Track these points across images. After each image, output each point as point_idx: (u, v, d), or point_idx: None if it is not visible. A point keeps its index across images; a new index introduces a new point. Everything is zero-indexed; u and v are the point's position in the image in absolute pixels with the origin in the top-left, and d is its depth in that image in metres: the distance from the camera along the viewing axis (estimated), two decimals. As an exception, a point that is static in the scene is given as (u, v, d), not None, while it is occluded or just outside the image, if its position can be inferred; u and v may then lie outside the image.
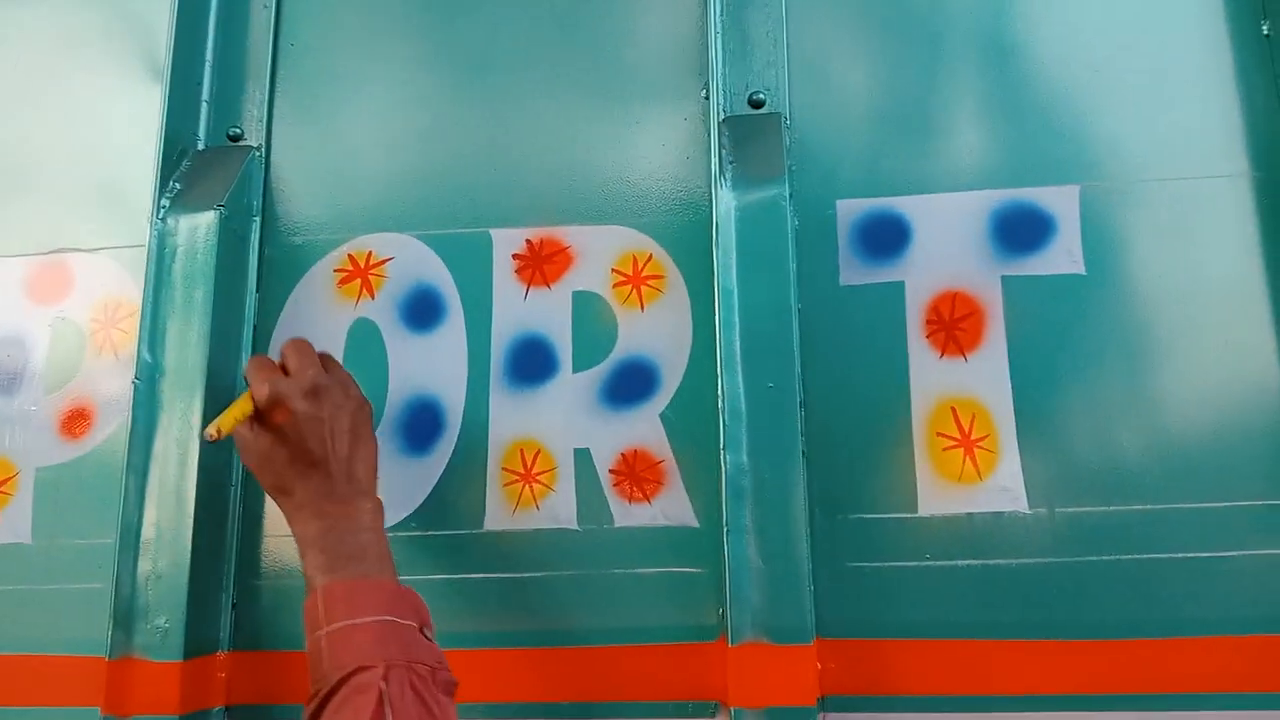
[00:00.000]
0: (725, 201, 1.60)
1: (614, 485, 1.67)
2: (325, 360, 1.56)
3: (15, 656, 1.75)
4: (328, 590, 1.35)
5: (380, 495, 1.62)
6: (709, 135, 1.70)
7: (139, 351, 1.69)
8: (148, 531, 1.63)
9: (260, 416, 1.49)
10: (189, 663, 1.59)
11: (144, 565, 1.62)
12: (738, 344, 1.54)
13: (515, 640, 1.65)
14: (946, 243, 1.67)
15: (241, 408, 1.48)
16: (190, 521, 1.63)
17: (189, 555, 1.62)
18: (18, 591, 1.79)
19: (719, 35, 1.71)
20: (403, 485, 1.72)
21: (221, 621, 1.69)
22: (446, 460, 1.73)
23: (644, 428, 1.69)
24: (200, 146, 1.90)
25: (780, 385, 1.53)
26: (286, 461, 1.44)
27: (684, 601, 1.62)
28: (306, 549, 1.41)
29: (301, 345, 1.55)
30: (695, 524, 1.63)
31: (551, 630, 1.64)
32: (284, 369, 1.52)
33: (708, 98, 1.78)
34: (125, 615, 1.60)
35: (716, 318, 1.56)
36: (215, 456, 1.68)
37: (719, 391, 1.53)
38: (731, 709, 1.44)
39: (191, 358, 1.69)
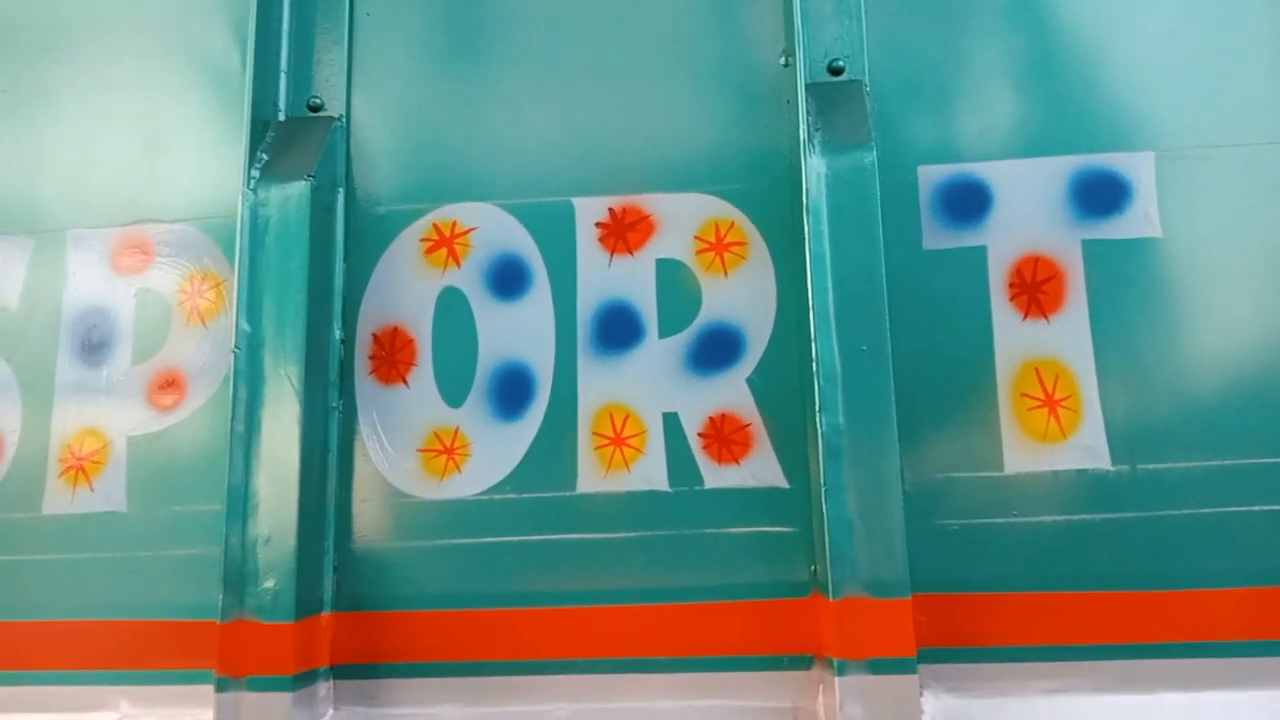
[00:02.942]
0: (815, 168, 1.63)
1: (703, 448, 1.72)
2: None
3: (122, 622, 1.79)
4: None
5: (475, 459, 1.67)
6: (793, 102, 1.72)
7: (237, 321, 1.73)
8: (254, 497, 1.67)
9: None
10: (299, 623, 1.64)
11: (252, 530, 1.66)
12: (831, 308, 1.58)
13: (611, 598, 1.70)
14: (1027, 207, 1.71)
15: None
16: (295, 487, 1.68)
17: (295, 520, 1.66)
18: (118, 559, 1.83)
19: (801, 2, 1.72)
20: (497, 450, 1.77)
21: (325, 584, 1.73)
22: (538, 425, 1.77)
23: (731, 392, 1.73)
24: (281, 118, 1.91)
25: (873, 348, 1.58)
26: None
27: (775, 559, 1.67)
28: None
29: None
30: (785, 485, 1.68)
31: (646, 588, 1.69)
32: None
33: (787, 65, 1.81)
34: (236, 579, 1.64)
35: (809, 283, 1.60)
36: (314, 424, 1.72)
37: (813, 355, 1.57)
38: (835, 661, 1.49)
39: (290, 327, 1.73)
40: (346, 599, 1.75)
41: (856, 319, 1.59)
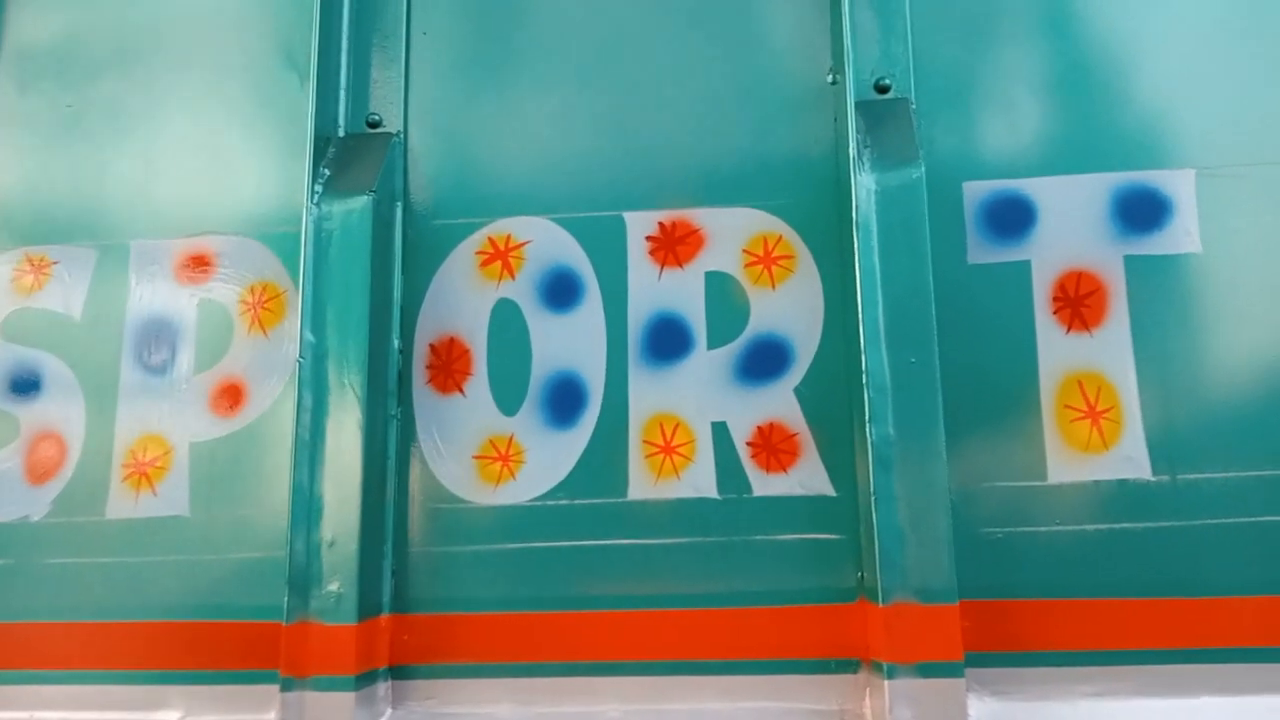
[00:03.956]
0: (865, 185, 1.68)
1: (751, 456, 1.77)
2: None
3: (184, 623, 1.85)
4: None
5: (529, 466, 1.72)
6: (841, 119, 1.78)
7: (302, 332, 1.79)
8: (318, 502, 1.73)
9: None
10: (360, 625, 1.70)
11: (316, 534, 1.72)
12: (881, 321, 1.63)
13: (661, 602, 1.75)
14: (1070, 223, 1.76)
15: None
16: (358, 493, 1.73)
17: (358, 524, 1.72)
18: (180, 562, 1.89)
19: (850, 21, 1.77)
20: (550, 457, 1.82)
21: (384, 587, 1.79)
22: (590, 433, 1.82)
23: (779, 402, 1.78)
24: (340, 134, 1.97)
25: (921, 360, 1.62)
26: None
27: (822, 566, 1.72)
28: None
29: None
30: (832, 493, 1.73)
31: (696, 593, 1.74)
32: None
33: (834, 83, 1.86)
34: (301, 581, 1.70)
35: (859, 296, 1.65)
36: (375, 431, 1.78)
37: (863, 367, 1.62)
38: (885, 664, 1.53)
39: (353, 337, 1.79)
40: (404, 601, 1.80)
41: (905, 332, 1.63)
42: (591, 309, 1.87)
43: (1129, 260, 1.73)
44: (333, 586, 1.70)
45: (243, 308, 1.97)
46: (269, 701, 1.75)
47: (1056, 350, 1.71)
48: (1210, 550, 1.62)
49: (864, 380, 1.62)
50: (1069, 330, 1.71)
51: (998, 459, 1.68)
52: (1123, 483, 1.65)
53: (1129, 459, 1.66)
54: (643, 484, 1.79)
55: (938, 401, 1.61)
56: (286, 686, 1.66)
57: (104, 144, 2.10)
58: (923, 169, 1.69)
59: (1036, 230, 1.76)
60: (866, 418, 1.60)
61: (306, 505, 1.73)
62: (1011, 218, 1.76)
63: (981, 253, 1.76)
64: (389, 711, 1.73)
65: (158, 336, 1.99)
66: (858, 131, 1.73)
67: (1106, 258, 1.74)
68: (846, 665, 1.67)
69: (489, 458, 1.83)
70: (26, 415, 2.00)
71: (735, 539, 1.75)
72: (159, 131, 2.09)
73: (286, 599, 1.69)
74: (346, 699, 1.64)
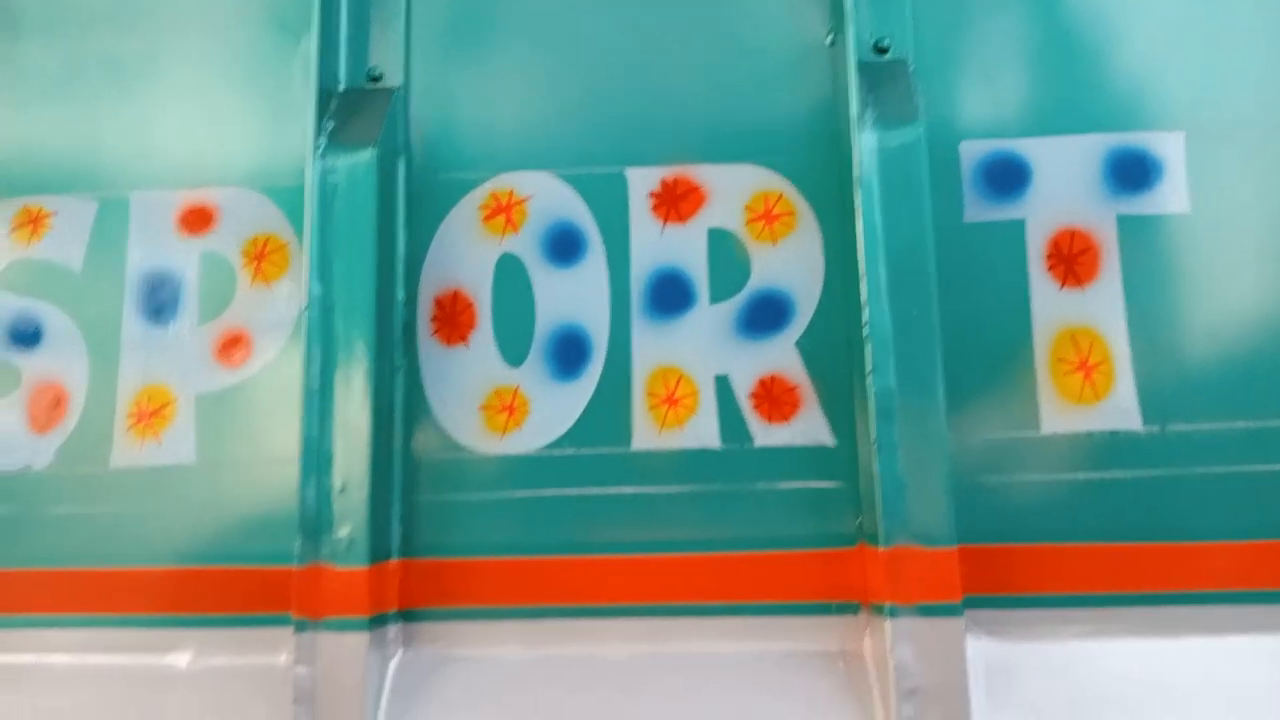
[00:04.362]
0: (866, 144, 1.72)
1: (753, 408, 1.82)
2: None
3: (192, 569, 1.88)
4: None
5: (535, 417, 1.76)
6: (841, 80, 1.81)
7: (310, 283, 1.80)
8: (328, 450, 1.75)
9: None
10: (371, 569, 1.73)
11: (326, 480, 1.75)
12: (883, 277, 1.68)
13: (665, 547, 1.80)
14: (1064, 183, 1.81)
15: None
16: (367, 441, 1.76)
17: (367, 471, 1.75)
18: (186, 509, 1.92)
19: (852, -17, 1.81)
20: (555, 408, 1.85)
21: (393, 532, 1.82)
22: (594, 385, 1.86)
23: (780, 355, 1.83)
24: (341, 88, 1.98)
25: (922, 314, 1.67)
26: None
27: (822, 513, 1.78)
28: None
29: None
30: (832, 443, 1.78)
31: (699, 539, 1.79)
32: None
33: (833, 44, 1.89)
34: (312, 527, 1.73)
35: (861, 252, 1.69)
36: (383, 381, 1.83)
37: (864, 320, 1.67)
38: (887, 605, 1.59)
39: (359, 289, 1.81)
40: (413, 547, 1.84)
41: (906, 287, 1.68)
42: (595, 264, 1.90)
43: (1121, 219, 1.78)
44: (344, 531, 1.72)
45: (245, 260, 1.98)
46: (279, 644, 1.78)
47: (1050, 306, 1.76)
48: (1199, 497, 1.69)
49: (865, 333, 1.66)
50: (1062, 286, 1.76)
51: (993, 410, 1.74)
52: (1114, 433, 1.71)
53: (1120, 410, 1.72)
54: (646, 434, 1.83)
55: (937, 354, 1.66)
56: (300, 628, 1.68)
57: (103, 96, 2.09)
58: (923, 128, 1.73)
59: (1031, 189, 1.81)
60: (868, 369, 1.65)
61: (316, 453, 1.75)
62: (1007, 177, 1.81)
63: (978, 211, 1.81)
64: (400, 653, 1.76)
65: (160, 288, 2.00)
66: (859, 92, 1.75)
67: (1099, 216, 1.79)
68: (846, 608, 1.73)
69: (495, 408, 1.86)
70: (27, 365, 2.00)
71: (737, 487, 1.79)
72: (159, 83, 2.09)
73: (298, 543, 1.72)
74: (359, 639, 1.68)
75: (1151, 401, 1.72)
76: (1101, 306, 1.75)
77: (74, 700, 1.80)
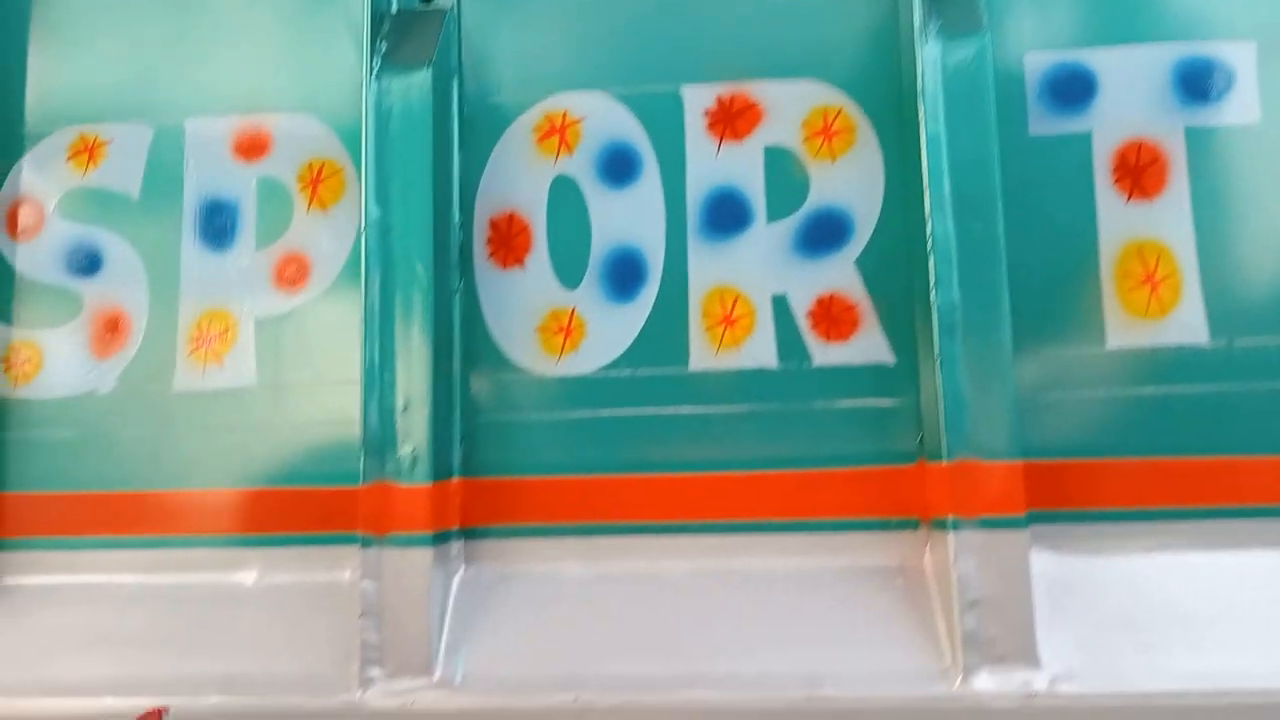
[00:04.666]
0: (930, 56, 1.69)
1: (811, 327, 1.81)
2: None
3: (255, 490, 1.90)
4: None
5: (591, 339, 1.76)
6: (903, -10, 1.77)
7: (366, 205, 1.80)
8: (390, 371, 1.76)
9: None
10: (434, 486, 1.75)
11: (389, 400, 1.76)
12: (947, 190, 1.65)
13: (723, 466, 1.80)
14: (1131, 94, 1.77)
15: None
16: (426, 361, 1.77)
17: (428, 391, 1.76)
18: (249, 431, 1.94)
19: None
20: (611, 330, 1.85)
21: (454, 452, 1.83)
22: (650, 306, 1.86)
23: (839, 273, 1.82)
24: (394, 10, 1.96)
25: (986, 227, 1.65)
26: None
27: (882, 430, 1.77)
28: None
29: None
30: (892, 361, 1.77)
31: (757, 458, 1.79)
32: None
33: (894, -45, 1.84)
34: (376, 445, 1.75)
35: (924, 165, 1.66)
36: (441, 302, 1.84)
37: (927, 234, 1.65)
38: (950, 519, 1.59)
39: (416, 211, 1.81)
40: (473, 466, 1.86)
41: (970, 200, 1.66)
42: (650, 184, 1.88)
43: (1189, 131, 1.75)
44: (407, 449, 1.74)
45: (301, 185, 1.99)
46: (342, 561, 1.81)
47: (1116, 219, 1.73)
48: (1264, 413, 1.67)
49: (929, 247, 1.64)
50: (1129, 199, 1.73)
51: (1057, 326, 1.72)
52: (1180, 348, 1.69)
53: (1186, 325, 1.69)
54: (703, 355, 1.83)
55: (1002, 268, 1.64)
56: (366, 544, 1.70)
57: (157, 23, 2.09)
58: (988, 38, 1.70)
59: (1097, 101, 1.77)
60: (932, 284, 1.63)
61: (378, 374, 1.77)
62: (1073, 89, 1.78)
63: (1043, 124, 1.78)
64: (462, 570, 1.79)
65: (217, 214, 2.00)
66: (922, 3, 1.72)
67: (1167, 128, 1.75)
68: (906, 524, 1.73)
69: (551, 330, 1.87)
70: (88, 292, 2.03)
71: (795, 406, 1.79)
72: (212, 9, 2.09)
73: (363, 461, 1.74)
74: (424, 555, 1.70)
75: (1218, 316, 1.69)
76: (1169, 220, 1.72)
77: (145, 618, 1.84)
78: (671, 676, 1.63)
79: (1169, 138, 1.75)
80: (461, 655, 1.69)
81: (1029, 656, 1.55)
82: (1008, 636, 1.55)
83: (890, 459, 1.75)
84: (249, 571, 1.87)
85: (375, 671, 1.68)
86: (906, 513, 1.73)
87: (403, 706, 1.65)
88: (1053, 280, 1.73)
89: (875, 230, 1.81)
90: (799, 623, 1.66)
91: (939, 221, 1.64)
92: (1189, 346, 1.69)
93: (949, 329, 1.62)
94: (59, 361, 2.01)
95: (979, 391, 1.61)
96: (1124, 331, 1.70)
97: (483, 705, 1.64)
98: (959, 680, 1.55)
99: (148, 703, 1.72)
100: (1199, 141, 1.74)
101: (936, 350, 1.62)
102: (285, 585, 1.84)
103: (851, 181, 1.82)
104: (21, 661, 1.83)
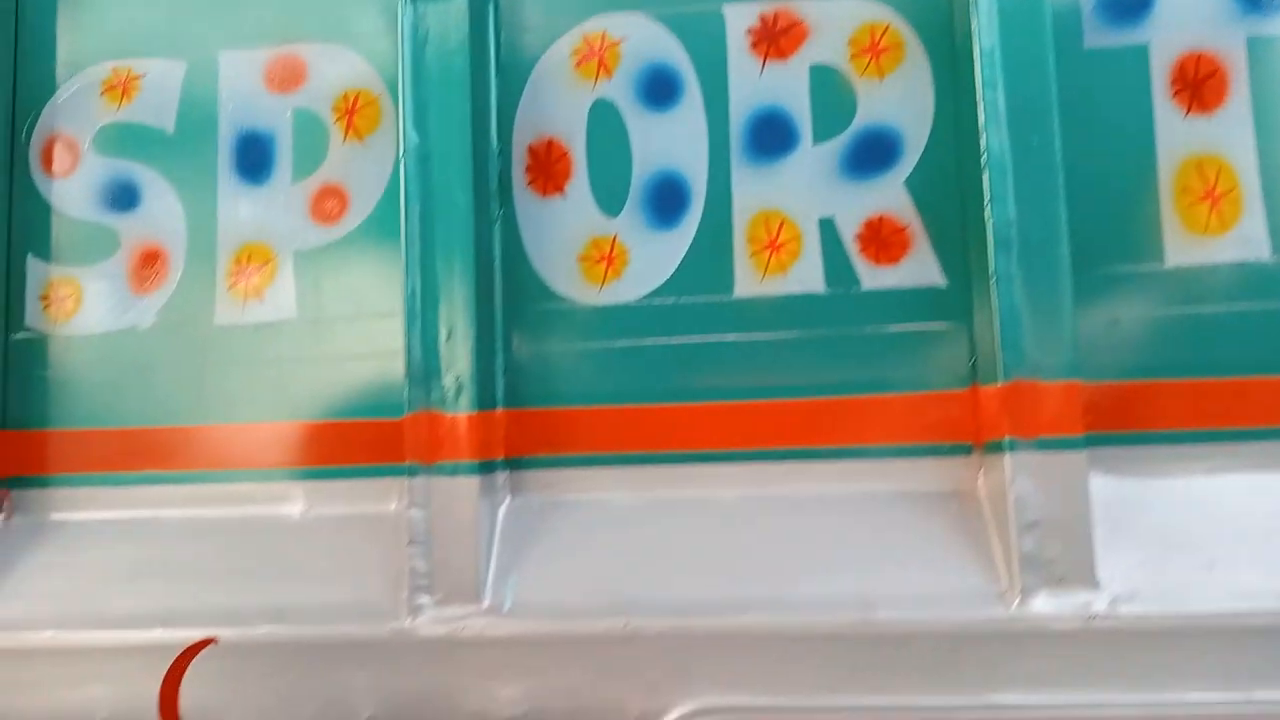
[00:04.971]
0: (983, -34, 1.63)
1: (860, 250, 1.77)
2: None
3: (298, 423, 1.89)
4: None
5: (634, 266, 1.73)
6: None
7: (405, 132, 1.77)
8: (432, 300, 1.74)
9: None
10: (479, 415, 1.73)
11: (432, 330, 1.74)
12: (1001, 102, 1.60)
13: (771, 393, 1.77)
14: (1189, 4, 1.71)
15: None
16: (470, 289, 1.75)
17: (473, 320, 1.74)
18: (292, 366, 1.92)
19: None
20: (653, 258, 1.82)
21: (497, 382, 1.81)
22: (694, 233, 1.82)
23: (889, 194, 1.77)
24: (426, -66, 1.92)
25: (1041, 141, 1.60)
26: None
27: (933, 354, 1.74)
28: None
29: None
30: (943, 283, 1.73)
31: (806, 384, 1.76)
32: None
33: None
34: (419, 374, 1.73)
35: (977, 78, 1.62)
36: (482, 231, 1.81)
37: (981, 148, 1.60)
38: (1006, 440, 1.56)
39: (455, 138, 1.78)
40: (517, 396, 1.84)
41: (1025, 113, 1.62)
42: (692, 107, 1.84)
43: (1251, 41, 1.69)
44: (450, 379, 1.73)
45: (337, 115, 1.96)
46: (388, 493, 1.80)
47: (1175, 133, 1.68)
48: (1333, 328, 1.61)
49: (983, 161, 1.60)
50: (1188, 113, 1.68)
51: (1115, 243, 1.68)
52: (1241, 264, 1.65)
53: (1248, 240, 1.65)
54: (749, 281, 1.80)
55: (1059, 181, 1.60)
56: (412, 473, 1.69)
57: (185, -47, 2.04)
58: (1042, -53, 1.63)
59: (1155, 12, 1.72)
60: (986, 199, 1.59)
61: (419, 303, 1.74)
62: (1128, 0, 1.71)
63: (1099, 37, 1.72)
64: (508, 499, 1.77)
65: (253, 147, 1.98)
66: (974, -90, 1.66)
67: (1227, 39, 1.69)
68: (958, 449, 1.70)
69: (593, 259, 1.84)
70: (126, 227, 2.02)
71: (844, 332, 1.76)
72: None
73: (407, 391, 1.72)
74: (470, 483, 1.69)
75: (1282, 230, 1.63)
76: (1229, 133, 1.66)
77: (192, 552, 1.84)
78: (722, 601, 1.61)
79: (1229, 49, 1.69)
80: (510, 582, 1.68)
81: (1088, 578, 1.52)
82: (1067, 558, 1.53)
83: (942, 384, 1.72)
84: (295, 504, 1.86)
85: (424, 599, 1.68)
86: (959, 438, 1.70)
87: (452, 633, 1.64)
88: (1109, 197, 1.68)
89: (925, 149, 1.76)
90: (851, 547, 1.64)
91: (993, 134, 1.60)
92: (1251, 263, 1.65)
93: (1004, 245, 1.58)
94: (98, 298, 2.00)
95: (1035, 310, 1.58)
96: (1183, 248, 1.66)
97: (532, 631, 1.63)
98: (1017, 602, 1.53)
99: (197, 634, 1.72)
100: (1261, 52, 1.68)
101: (991, 268, 1.58)
102: (332, 517, 1.84)
103: (900, 100, 1.77)
104: (71, 595, 1.83)
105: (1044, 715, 1.49)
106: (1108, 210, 1.68)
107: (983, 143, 1.60)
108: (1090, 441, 1.59)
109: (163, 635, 1.73)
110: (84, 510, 1.94)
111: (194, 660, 1.70)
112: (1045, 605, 1.52)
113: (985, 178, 1.59)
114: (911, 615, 1.55)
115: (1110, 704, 1.48)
